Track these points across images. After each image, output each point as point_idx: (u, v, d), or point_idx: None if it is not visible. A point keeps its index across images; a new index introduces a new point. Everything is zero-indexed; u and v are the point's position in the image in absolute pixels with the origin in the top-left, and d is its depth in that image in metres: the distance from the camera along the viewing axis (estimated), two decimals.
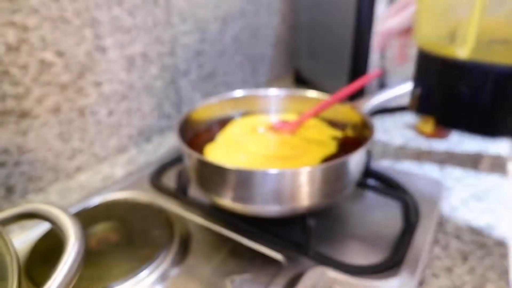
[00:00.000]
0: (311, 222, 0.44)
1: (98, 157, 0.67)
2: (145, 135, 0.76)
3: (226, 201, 0.46)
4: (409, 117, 0.86)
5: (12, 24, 0.51)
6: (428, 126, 0.75)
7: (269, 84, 1.14)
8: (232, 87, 0.98)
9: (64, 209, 0.26)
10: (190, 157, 0.47)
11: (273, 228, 0.49)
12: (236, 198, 0.45)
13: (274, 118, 0.63)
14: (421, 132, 0.77)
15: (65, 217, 0.25)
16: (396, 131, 0.79)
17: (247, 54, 1.00)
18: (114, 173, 0.65)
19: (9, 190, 0.55)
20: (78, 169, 0.64)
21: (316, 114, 0.57)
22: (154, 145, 0.75)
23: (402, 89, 0.57)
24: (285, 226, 0.49)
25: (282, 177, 0.41)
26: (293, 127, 0.56)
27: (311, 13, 1.01)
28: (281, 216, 0.48)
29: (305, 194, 0.42)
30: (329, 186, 0.43)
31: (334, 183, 0.43)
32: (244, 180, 0.43)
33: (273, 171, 0.41)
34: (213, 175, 0.45)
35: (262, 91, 0.65)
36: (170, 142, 0.76)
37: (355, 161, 0.44)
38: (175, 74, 0.79)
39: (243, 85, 1.02)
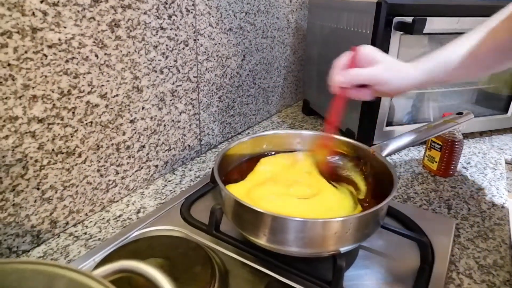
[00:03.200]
0: (342, 262, 0.49)
1: (128, 188, 0.71)
2: (169, 166, 0.80)
3: (261, 241, 0.50)
4: (415, 152, 0.92)
5: (66, 71, 0.55)
6: (435, 164, 0.82)
7: (279, 113, 1.19)
8: (247, 117, 1.03)
9: (156, 268, 0.31)
10: (229, 198, 0.51)
11: (304, 265, 0.53)
12: (271, 240, 0.49)
13: (301, 156, 0.67)
14: (427, 169, 0.83)
15: (158, 274, 0.30)
16: (404, 167, 0.85)
17: (260, 86, 1.05)
18: (144, 205, 0.68)
19: (53, 223, 0.59)
20: (111, 201, 0.68)
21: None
22: (178, 176, 0.79)
23: (416, 138, 0.63)
24: (316, 263, 0.54)
25: (316, 225, 0.46)
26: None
27: (320, 47, 1.07)
28: (314, 257, 0.53)
29: (337, 239, 0.47)
30: (360, 231, 0.48)
31: (364, 228, 0.48)
32: (279, 226, 0.47)
33: (308, 219, 0.46)
34: (249, 218, 0.50)
35: (290, 131, 0.70)
36: (192, 173, 0.80)
37: (383, 208, 0.49)
38: (198, 108, 0.83)
39: (256, 114, 1.07)
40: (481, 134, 1.04)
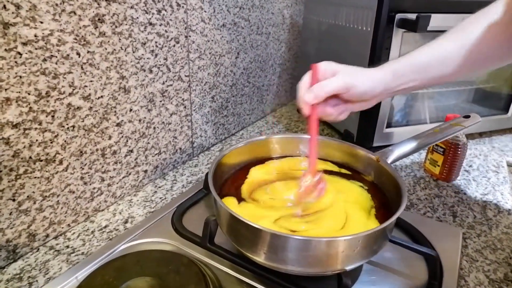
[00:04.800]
0: (348, 281, 0.45)
1: (115, 196, 0.66)
2: (160, 171, 0.75)
3: (260, 259, 0.46)
4: (415, 155, 0.88)
5: (44, 71, 0.49)
6: (437, 168, 0.78)
7: (274, 113, 1.15)
8: (241, 117, 0.98)
9: None
10: (225, 213, 0.47)
11: (306, 283, 0.49)
12: (270, 259, 0.45)
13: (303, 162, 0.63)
14: (429, 173, 0.80)
15: None
16: (405, 171, 0.82)
17: (255, 85, 1.01)
18: (132, 214, 0.64)
19: (31, 236, 0.54)
20: (96, 210, 0.63)
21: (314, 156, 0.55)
22: (169, 181, 0.75)
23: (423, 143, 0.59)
24: (319, 281, 0.50)
25: (320, 244, 0.42)
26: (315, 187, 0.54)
27: (316, 44, 1.03)
28: (316, 276, 0.49)
29: (344, 258, 0.43)
30: (369, 249, 0.44)
31: (373, 245, 0.44)
32: (280, 244, 0.43)
33: (312, 238, 0.42)
34: (247, 234, 0.45)
35: (288, 135, 0.66)
36: (184, 178, 0.76)
37: (392, 223, 0.46)
38: (190, 109, 0.79)
39: (250, 114, 1.03)
40: (481, 134, 1.01)
